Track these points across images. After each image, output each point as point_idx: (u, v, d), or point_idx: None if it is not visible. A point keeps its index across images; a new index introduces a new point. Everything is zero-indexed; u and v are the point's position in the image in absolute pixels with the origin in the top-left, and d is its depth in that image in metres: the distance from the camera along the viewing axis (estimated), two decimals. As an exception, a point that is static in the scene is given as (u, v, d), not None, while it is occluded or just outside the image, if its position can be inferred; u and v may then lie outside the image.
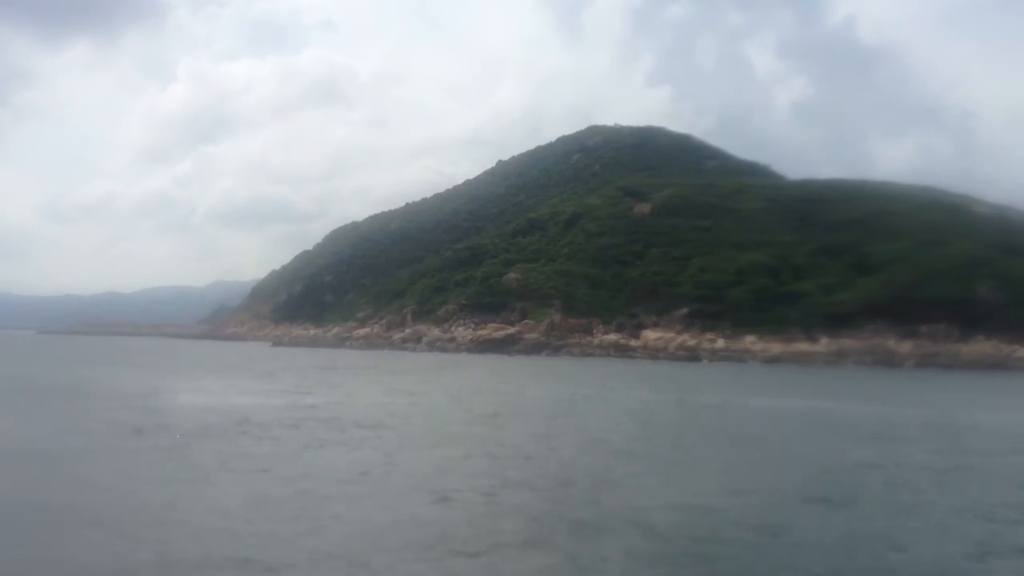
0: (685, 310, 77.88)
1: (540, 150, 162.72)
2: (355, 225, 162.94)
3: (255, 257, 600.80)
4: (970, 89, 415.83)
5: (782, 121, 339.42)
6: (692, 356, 71.72)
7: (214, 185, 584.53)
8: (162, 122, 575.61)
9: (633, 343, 77.13)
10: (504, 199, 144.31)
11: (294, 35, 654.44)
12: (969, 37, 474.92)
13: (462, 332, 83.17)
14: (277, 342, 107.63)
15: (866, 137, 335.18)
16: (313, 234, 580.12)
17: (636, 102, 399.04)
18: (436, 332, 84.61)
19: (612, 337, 78.38)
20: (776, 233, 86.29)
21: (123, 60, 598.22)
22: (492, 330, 79.76)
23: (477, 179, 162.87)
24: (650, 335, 77.44)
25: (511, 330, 79.14)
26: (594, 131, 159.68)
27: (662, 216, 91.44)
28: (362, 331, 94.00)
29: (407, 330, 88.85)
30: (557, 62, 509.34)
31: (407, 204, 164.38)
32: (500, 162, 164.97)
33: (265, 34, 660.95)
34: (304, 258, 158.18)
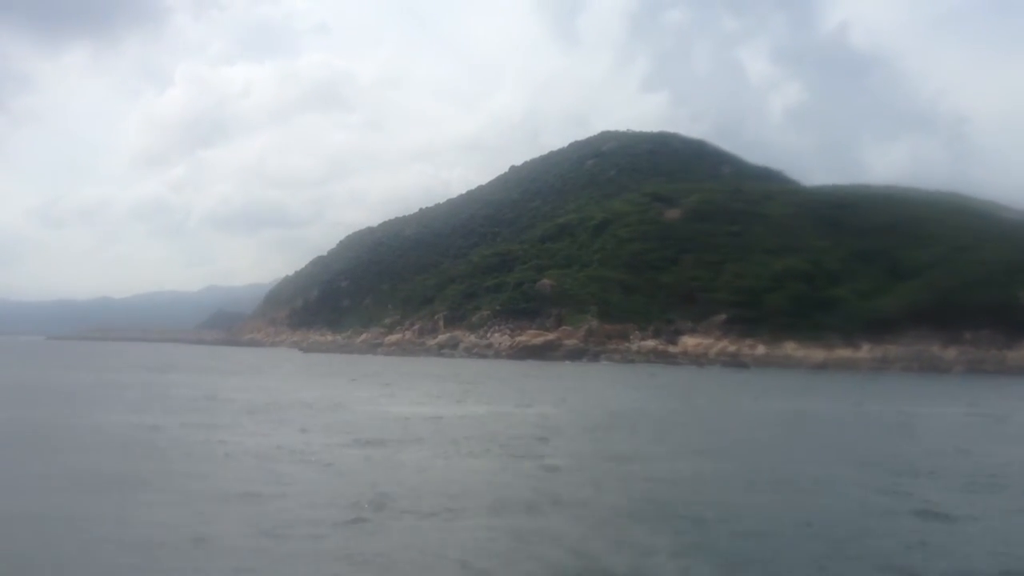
0: (723, 316, 78.36)
1: (552, 155, 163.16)
2: (370, 230, 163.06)
3: (248, 262, 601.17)
4: (963, 95, 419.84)
5: (776, 126, 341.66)
6: (737, 363, 72.19)
7: (210, 190, 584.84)
8: (159, 127, 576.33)
9: (671, 349, 77.69)
10: (519, 204, 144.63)
11: (291, 39, 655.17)
12: (962, 43, 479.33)
13: (498, 338, 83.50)
14: (306, 348, 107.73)
15: (859, 142, 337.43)
16: (308, 239, 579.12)
17: (633, 107, 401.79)
18: (472, 338, 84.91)
19: (650, 343, 78.89)
20: (807, 239, 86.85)
21: (122, 65, 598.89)
22: (531, 336, 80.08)
23: (490, 184, 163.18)
24: (689, 341, 77.97)
25: (550, 336, 79.51)
26: (607, 136, 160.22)
27: (692, 222, 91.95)
28: (393, 337, 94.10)
29: (440, 336, 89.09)
30: (553, 67, 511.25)
31: (421, 209, 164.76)
32: (512, 167, 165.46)
33: (263, 38, 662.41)
34: (319, 263, 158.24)
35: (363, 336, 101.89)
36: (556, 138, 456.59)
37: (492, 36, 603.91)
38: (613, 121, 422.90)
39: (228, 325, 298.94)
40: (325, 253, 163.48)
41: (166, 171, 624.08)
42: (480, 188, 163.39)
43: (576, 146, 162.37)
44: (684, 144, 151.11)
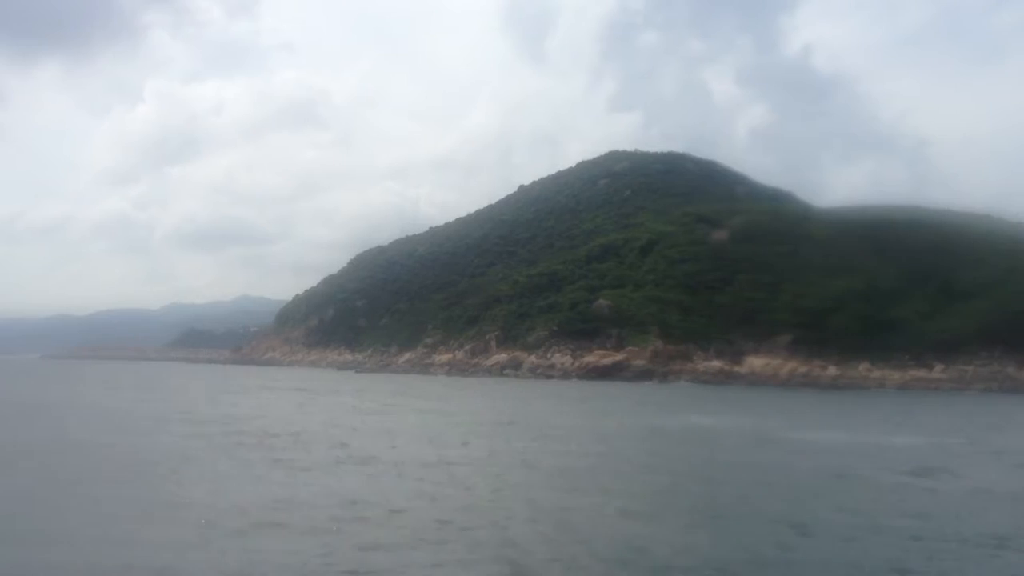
0: (789, 337, 79.28)
1: (561, 175, 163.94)
2: (381, 249, 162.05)
3: (209, 279, 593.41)
4: (925, 117, 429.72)
5: (742, 147, 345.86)
6: (808, 383, 73.09)
7: (175, 207, 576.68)
8: (127, 143, 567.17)
9: (738, 369, 78.42)
10: (533, 224, 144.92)
11: (265, 57, 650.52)
12: (923, 66, 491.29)
13: (560, 358, 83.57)
14: (340, 367, 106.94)
15: (820, 163, 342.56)
16: (273, 256, 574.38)
17: (605, 126, 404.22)
18: (532, 358, 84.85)
19: (716, 363, 79.56)
20: (855, 259, 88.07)
21: (94, 81, 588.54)
22: (598, 357, 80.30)
23: (499, 204, 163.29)
24: (755, 362, 78.74)
25: (618, 357, 79.79)
26: (617, 156, 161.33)
27: (740, 243, 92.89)
28: (443, 357, 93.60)
29: (493, 356, 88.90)
30: (524, 87, 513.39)
31: (430, 228, 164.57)
32: (521, 187, 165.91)
33: (237, 56, 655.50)
34: (331, 283, 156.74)
35: (406, 356, 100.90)
36: (529, 157, 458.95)
37: (462, 56, 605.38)
38: (587, 141, 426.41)
39: (196, 344, 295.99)
40: (336, 271, 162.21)
41: (132, 188, 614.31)
42: (489, 207, 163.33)
43: (585, 166, 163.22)
44: (696, 164, 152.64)
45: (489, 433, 29.57)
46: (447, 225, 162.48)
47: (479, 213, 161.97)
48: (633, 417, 39.85)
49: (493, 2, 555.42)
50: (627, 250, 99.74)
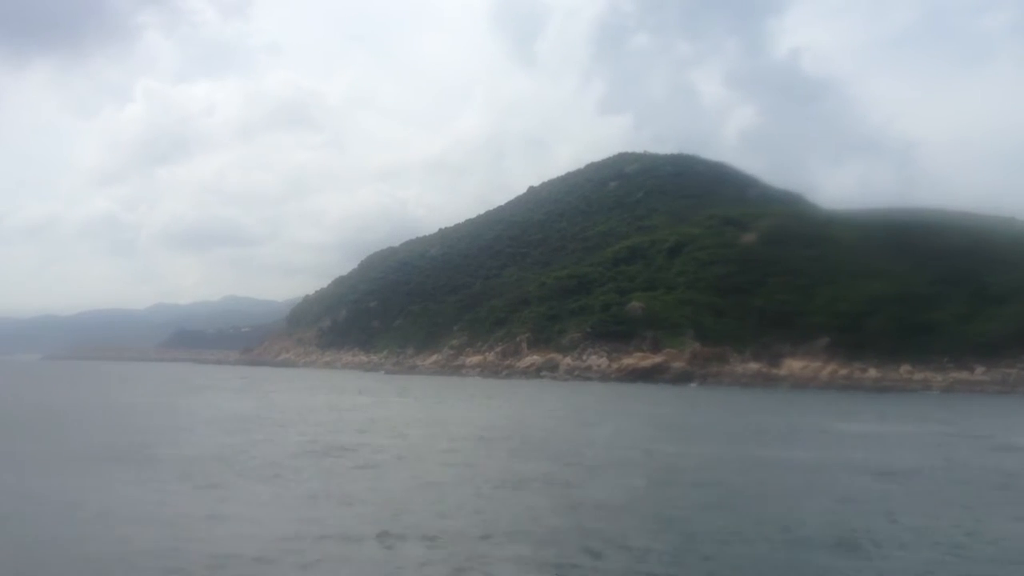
0: (826, 339, 79.56)
1: (570, 176, 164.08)
2: (392, 250, 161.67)
3: (194, 280, 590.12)
4: (913, 120, 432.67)
5: (732, 149, 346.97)
6: (852, 385, 73.40)
7: (163, 207, 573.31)
8: (117, 144, 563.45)
9: (777, 372, 78.64)
10: (544, 225, 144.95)
11: (257, 59, 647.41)
12: (912, 69, 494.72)
13: (596, 360, 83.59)
14: (356, 368, 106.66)
15: (808, 165, 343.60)
16: (260, 257, 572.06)
17: (597, 129, 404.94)
18: (568, 360, 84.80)
19: (754, 366, 79.78)
20: (884, 262, 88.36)
21: (86, 81, 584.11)
22: (637, 359, 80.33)
23: (508, 205, 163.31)
24: (794, 364, 78.98)
25: (657, 359, 79.86)
26: (626, 158, 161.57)
27: (769, 245, 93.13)
28: (474, 359, 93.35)
29: (525, 358, 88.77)
30: (514, 90, 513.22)
31: (440, 230, 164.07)
32: (531, 188, 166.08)
33: (230, 57, 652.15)
34: (342, 284, 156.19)
35: (433, 358, 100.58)
36: (519, 160, 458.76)
37: (452, 59, 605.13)
38: (578, 143, 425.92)
39: (187, 344, 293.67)
40: (346, 273, 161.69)
41: (120, 188, 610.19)
42: (499, 208, 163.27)
43: (594, 167, 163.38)
44: (706, 166, 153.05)
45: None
46: (457, 227, 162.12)
47: (488, 214, 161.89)
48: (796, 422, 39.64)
49: (483, 4, 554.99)
50: (654, 252, 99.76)
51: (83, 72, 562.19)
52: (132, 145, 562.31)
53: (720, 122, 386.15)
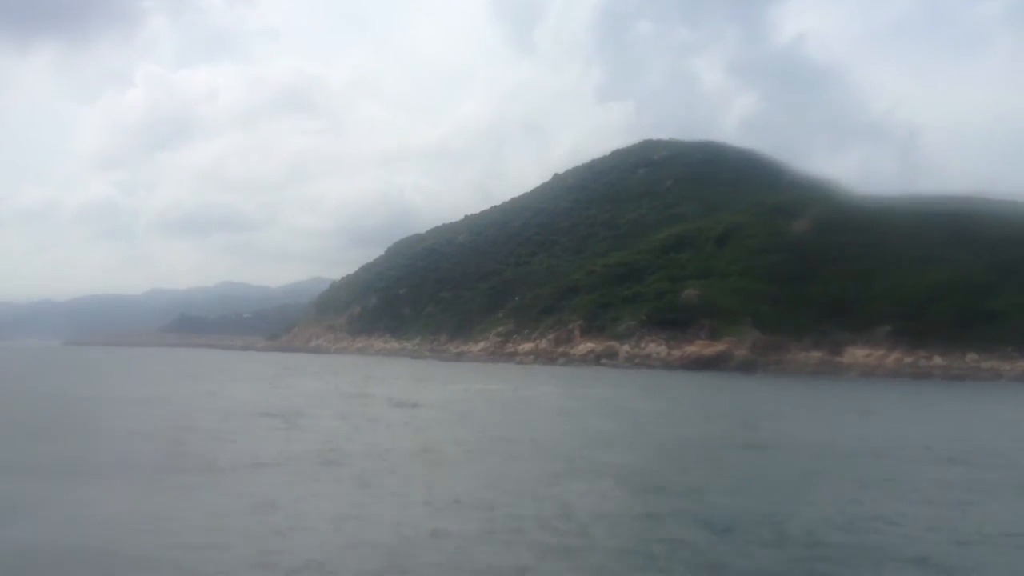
0: (888, 327, 79.55)
1: (596, 163, 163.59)
2: (419, 237, 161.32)
3: (190, 265, 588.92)
4: (914, 106, 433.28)
5: (734, 136, 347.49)
6: (920, 374, 73.45)
7: (162, 192, 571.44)
8: (117, 129, 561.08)
9: (842, 360, 78.64)
10: (573, 213, 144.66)
11: (256, 45, 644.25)
12: (913, 55, 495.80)
13: (655, 348, 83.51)
14: (424, 356, 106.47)
15: (811, 152, 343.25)
16: (257, 243, 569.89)
17: (599, 115, 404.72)
18: (627, 348, 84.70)
19: (816, 354, 79.77)
20: (940, 249, 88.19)
21: (89, 66, 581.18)
22: (699, 347, 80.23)
23: (534, 193, 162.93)
24: (858, 353, 78.98)
25: (720, 347, 79.76)
26: (653, 145, 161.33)
27: (822, 233, 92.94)
28: (527, 346, 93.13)
29: (580, 345, 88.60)
30: (515, 76, 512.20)
31: (466, 216, 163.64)
32: (556, 175, 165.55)
33: (233, 42, 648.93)
34: (370, 270, 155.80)
35: (480, 344, 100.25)
36: (520, 147, 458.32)
37: (451, 45, 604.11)
38: (579, 130, 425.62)
39: (188, 330, 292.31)
40: (372, 259, 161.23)
41: (120, 174, 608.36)
42: (524, 195, 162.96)
43: (619, 154, 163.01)
44: (736, 154, 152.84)
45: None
46: (483, 213, 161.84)
47: (514, 201, 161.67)
48: None
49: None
50: (702, 240, 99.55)
51: (86, 57, 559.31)
52: (132, 130, 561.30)
53: (722, 109, 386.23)
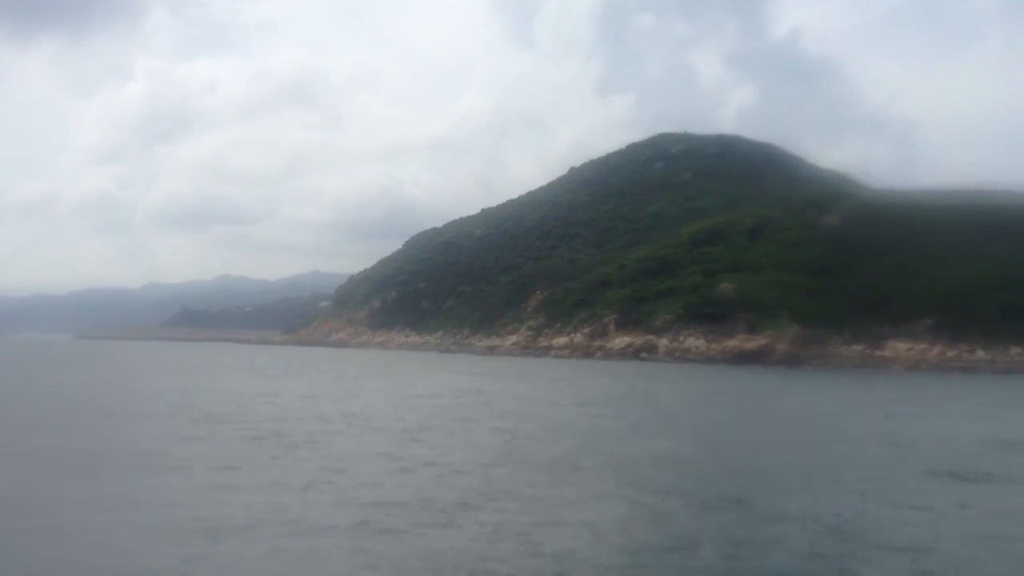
0: (929, 321, 79.72)
1: (611, 157, 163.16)
2: (436, 231, 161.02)
3: (186, 258, 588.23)
4: (909, 99, 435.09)
5: (732, 129, 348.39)
6: (964, 368, 73.59)
7: (160, 186, 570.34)
8: (117, 121, 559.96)
9: (884, 354, 78.79)
10: (592, 207, 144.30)
11: (256, 38, 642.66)
12: (906, 49, 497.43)
13: (694, 342, 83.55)
14: (451, 350, 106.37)
15: (805, 146, 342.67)
16: (254, 236, 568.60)
17: (598, 109, 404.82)
18: (665, 342, 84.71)
19: (857, 348, 79.92)
20: (976, 243, 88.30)
21: (91, 59, 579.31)
22: (741, 341, 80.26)
23: (550, 186, 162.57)
24: (899, 346, 79.15)
25: (762, 341, 79.79)
26: (668, 139, 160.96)
27: (854, 227, 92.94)
28: (561, 340, 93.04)
29: (616, 339, 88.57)
30: (513, 70, 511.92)
31: (482, 210, 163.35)
32: (572, 169, 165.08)
33: (229, 36, 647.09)
34: (388, 264, 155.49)
35: (512, 339, 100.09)
36: (520, 141, 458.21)
37: (451, 39, 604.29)
38: (579, 124, 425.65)
39: (193, 323, 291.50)
40: (390, 253, 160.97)
41: (118, 167, 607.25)
42: (541, 189, 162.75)
43: (635, 148, 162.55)
44: (753, 147, 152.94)
45: None
46: (500, 207, 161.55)
47: (531, 195, 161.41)
48: None
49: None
50: (733, 234, 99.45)
51: (87, 51, 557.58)
52: (131, 123, 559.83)
53: (721, 102, 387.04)
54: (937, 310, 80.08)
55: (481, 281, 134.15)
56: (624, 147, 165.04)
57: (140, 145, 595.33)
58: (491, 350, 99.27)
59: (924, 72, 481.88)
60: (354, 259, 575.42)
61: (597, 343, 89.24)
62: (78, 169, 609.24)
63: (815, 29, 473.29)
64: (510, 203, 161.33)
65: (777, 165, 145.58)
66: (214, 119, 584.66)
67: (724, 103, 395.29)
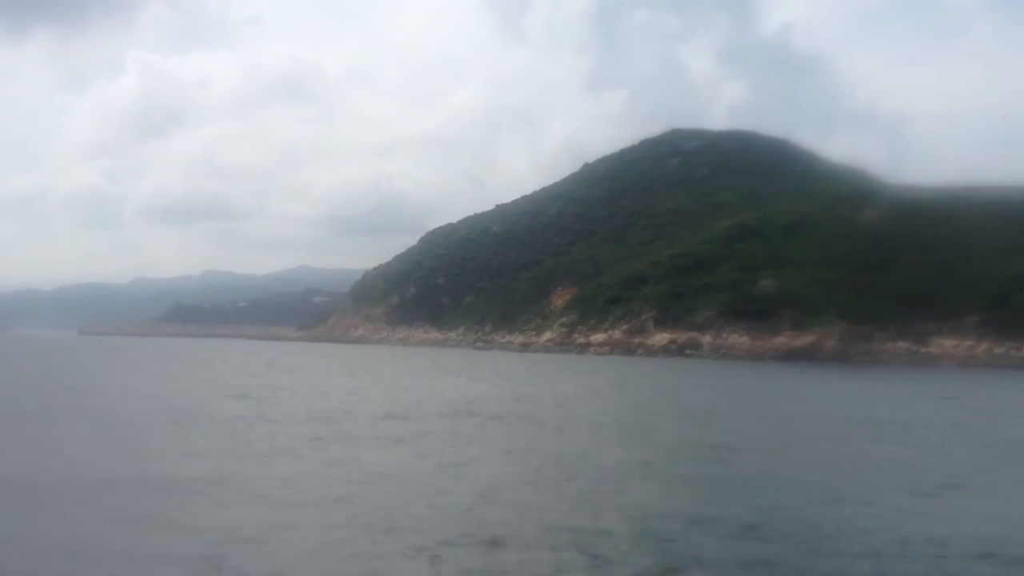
0: (975, 317, 79.74)
1: (626, 153, 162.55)
2: (452, 227, 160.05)
3: (174, 253, 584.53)
4: (902, 95, 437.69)
5: (721, 124, 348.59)
6: (1013, 364, 73.61)
7: (150, 180, 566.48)
8: (106, 116, 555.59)
9: (931, 351, 78.78)
10: (609, 202, 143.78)
11: (249, 32, 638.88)
12: (898, 44, 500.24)
13: (738, 339, 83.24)
14: (479, 347, 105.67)
15: (797, 142, 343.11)
16: (241, 231, 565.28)
17: (591, 105, 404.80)
18: (708, 339, 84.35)
19: (903, 345, 79.87)
20: (1017, 240, 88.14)
21: (86, 53, 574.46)
22: (789, 338, 80.00)
23: (564, 182, 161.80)
24: (946, 343, 79.15)
25: (810, 338, 79.54)
26: (681, 134, 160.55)
27: (893, 222, 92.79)
28: (599, 336, 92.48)
29: (656, 336, 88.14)
30: (504, 65, 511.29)
31: (497, 206, 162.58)
32: (586, 165, 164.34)
33: (221, 30, 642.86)
34: (405, 260, 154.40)
35: (546, 335, 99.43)
36: (510, 136, 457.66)
37: (442, 34, 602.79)
38: (572, 119, 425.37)
39: (188, 319, 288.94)
40: (404, 250, 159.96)
41: (108, 161, 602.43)
42: (555, 184, 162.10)
43: (649, 144, 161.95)
44: (768, 143, 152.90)
45: None
46: (515, 203, 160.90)
47: (545, 191, 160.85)
48: None
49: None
50: (768, 230, 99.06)
51: (82, 45, 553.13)
52: (123, 118, 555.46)
53: (711, 98, 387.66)
54: (982, 307, 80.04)
55: (500, 277, 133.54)
56: (637, 143, 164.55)
57: (131, 140, 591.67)
58: (525, 347, 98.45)
59: (914, 67, 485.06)
60: (343, 254, 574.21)
61: (637, 340, 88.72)
62: (68, 164, 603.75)
63: (804, 24, 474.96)
64: (524, 199, 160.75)
65: (793, 160, 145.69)
66: (206, 114, 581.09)
67: (715, 99, 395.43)
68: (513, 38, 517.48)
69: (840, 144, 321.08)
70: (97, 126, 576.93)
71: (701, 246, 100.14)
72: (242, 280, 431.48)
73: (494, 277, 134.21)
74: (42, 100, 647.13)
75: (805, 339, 79.22)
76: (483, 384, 44.00)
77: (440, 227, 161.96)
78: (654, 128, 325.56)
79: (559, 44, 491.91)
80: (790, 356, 78.03)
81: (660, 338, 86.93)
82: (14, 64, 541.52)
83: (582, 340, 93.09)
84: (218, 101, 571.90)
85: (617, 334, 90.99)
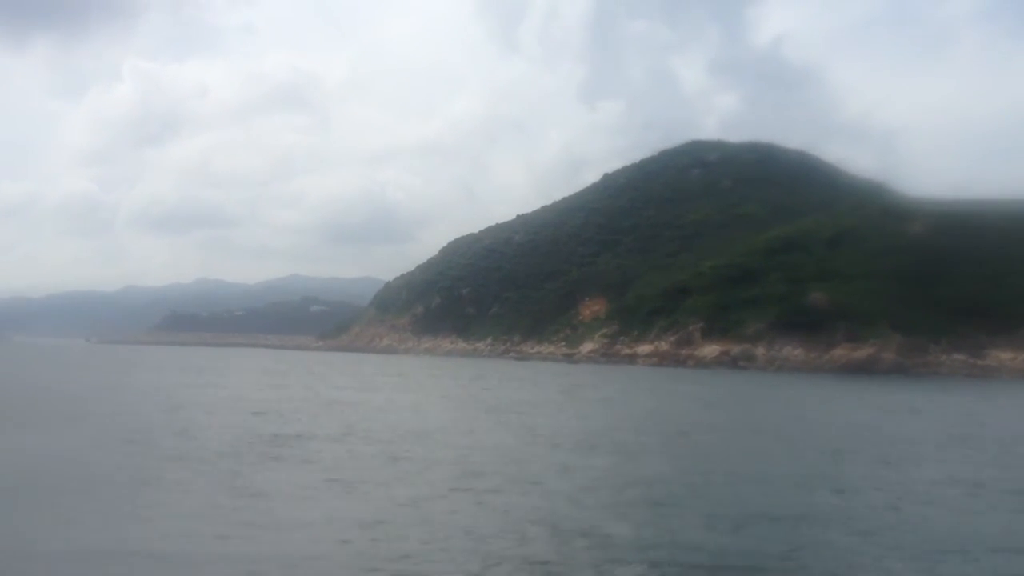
0: (1032, 330, 79.69)
1: (645, 164, 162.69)
2: (475, 237, 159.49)
3: (164, 261, 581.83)
4: (892, 107, 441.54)
5: (713, 136, 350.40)
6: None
7: (143, 188, 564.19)
8: (100, 124, 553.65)
9: (988, 363, 78.65)
10: (632, 213, 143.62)
11: (245, 41, 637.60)
12: (888, 56, 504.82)
13: (791, 351, 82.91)
14: (513, 357, 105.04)
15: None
16: (233, 239, 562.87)
17: (587, 116, 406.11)
18: (761, 351, 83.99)
19: (959, 357, 79.69)
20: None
21: (82, 62, 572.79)
22: (848, 350, 79.65)
23: (585, 192, 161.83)
24: (1002, 355, 79.05)
25: (868, 351, 79.24)
26: (701, 146, 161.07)
27: (938, 235, 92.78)
28: (646, 347, 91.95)
29: (706, 347, 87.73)
30: (499, 76, 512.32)
31: (518, 216, 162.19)
32: (606, 175, 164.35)
33: (218, 39, 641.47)
34: (428, 269, 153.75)
35: (589, 347, 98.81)
36: (500, 146, 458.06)
37: (437, 45, 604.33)
38: (568, 129, 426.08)
39: (184, 327, 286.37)
40: (425, 260, 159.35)
41: (101, 169, 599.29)
42: (576, 195, 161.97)
43: (668, 155, 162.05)
44: (788, 155, 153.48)
45: None
46: (535, 213, 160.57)
47: (566, 200, 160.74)
48: None
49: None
50: (812, 242, 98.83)
51: (78, 53, 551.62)
52: (118, 126, 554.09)
53: (706, 109, 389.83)
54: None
55: (526, 287, 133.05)
56: (657, 154, 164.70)
57: (126, 147, 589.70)
58: (569, 357, 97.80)
59: (904, 79, 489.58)
60: (334, 263, 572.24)
61: (685, 351, 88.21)
62: (62, 171, 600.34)
63: (796, 37, 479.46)
64: (545, 209, 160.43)
65: (815, 173, 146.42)
66: (201, 122, 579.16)
67: (708, 109, 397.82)
68: (508, 49, 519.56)
69: (830, 155, 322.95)
70: (92, 133, 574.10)
71: (743, 258, 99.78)
72: (233, 288, 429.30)
73: (520, 287, 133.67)
74: (38, 107, 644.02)
75: (864, 351, 78.82)
76: (641, 402, 42.80)
77: (462, 236, 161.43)
78: (650, 138, 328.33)
79: (554, 55, 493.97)
80: (848, 369, 77.63)
81: (711, 349, 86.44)
82: (13, 71, 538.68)
83: (627, 351, 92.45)
84: (213, 109, 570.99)
85: (664, 345, 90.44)
